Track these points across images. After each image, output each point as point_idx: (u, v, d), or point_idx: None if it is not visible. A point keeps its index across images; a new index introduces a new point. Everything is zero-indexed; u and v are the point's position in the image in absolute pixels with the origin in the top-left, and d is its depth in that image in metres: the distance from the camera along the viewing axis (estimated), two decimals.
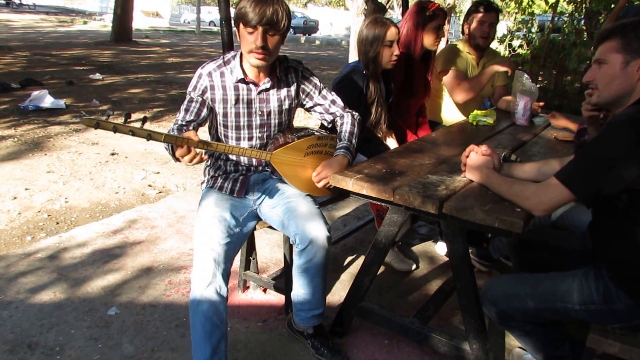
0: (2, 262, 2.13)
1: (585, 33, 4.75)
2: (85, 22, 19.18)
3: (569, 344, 1.39)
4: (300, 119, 5.16)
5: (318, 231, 1.49)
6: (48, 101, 4.93)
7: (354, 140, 1.66)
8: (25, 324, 1.73)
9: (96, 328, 1.73)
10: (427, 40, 2.21)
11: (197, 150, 1.31)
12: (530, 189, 1.25)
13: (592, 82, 1.24)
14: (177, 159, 1.34)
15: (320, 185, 1.58)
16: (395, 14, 8.63)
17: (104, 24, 17.93)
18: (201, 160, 1.34)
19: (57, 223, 2.58)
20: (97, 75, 6.89)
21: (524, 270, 1.53)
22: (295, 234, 1.50)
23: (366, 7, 4.50)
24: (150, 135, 1.25)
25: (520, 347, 1.63)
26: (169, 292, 1.97)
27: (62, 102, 5.04)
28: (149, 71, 8.06)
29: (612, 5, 4.32)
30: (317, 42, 19.32)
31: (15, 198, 2.83)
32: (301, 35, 21.45)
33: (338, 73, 2.15)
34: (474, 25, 2.40)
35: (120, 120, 1.28)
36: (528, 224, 1.23)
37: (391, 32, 1.93)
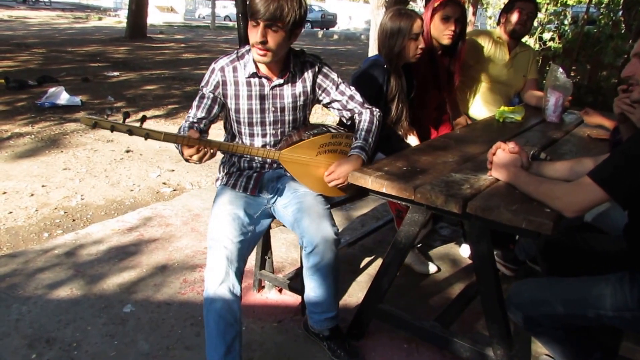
0: (21, 258, 2.14)
1: (624, 25, 4.51)
2: (100, 18, 19.37)
3: (600, 352, 1.32)
4: (318, 115, 5.12)
5: (324, 234, 1.45)
6: (64, 98, 4.98)
7: (370, 139, 1.58)
8: (44, 319, 1.73)
9: (112, 325, 1.72)
10: (435, 31, 2.10)
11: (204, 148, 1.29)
12: (561, 188, 1.19)
13: (632, 77, 1.17)
14: (187, 159, 1.32)
15: (331, 185, 1.53)
16: (417, 6, 8.41)
17: (119, 20, 18.11)
18: (212, 156, 1.31)
19: (73, 220, 2.59)
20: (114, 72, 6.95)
21: (553, 274, 1.47)
22: (302, 236, 1.47)
23: None
24: (148, 135, 1.23)
25: (547, 355, 1.57)
26: (184, 291, 1.96)
27: (77, 99, 5.09)
28: (163, 67, 8.10)
29: None
30: (336, 37, 19.01)
31: (32, 195, 2.85)
32: (319, 29, 21.15)
33: (357, 68, 2.07)
34: (511, 13, 2.38)
35: (128, 119, 1.26)
36: (558, 225, 1.17)
37: (417, 25, 1.87)
